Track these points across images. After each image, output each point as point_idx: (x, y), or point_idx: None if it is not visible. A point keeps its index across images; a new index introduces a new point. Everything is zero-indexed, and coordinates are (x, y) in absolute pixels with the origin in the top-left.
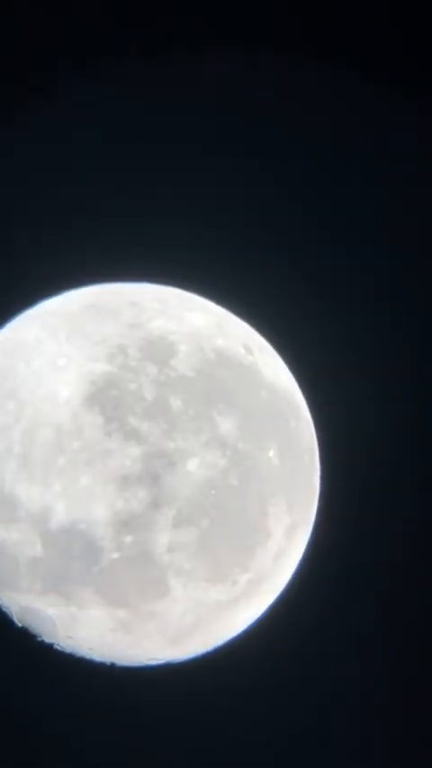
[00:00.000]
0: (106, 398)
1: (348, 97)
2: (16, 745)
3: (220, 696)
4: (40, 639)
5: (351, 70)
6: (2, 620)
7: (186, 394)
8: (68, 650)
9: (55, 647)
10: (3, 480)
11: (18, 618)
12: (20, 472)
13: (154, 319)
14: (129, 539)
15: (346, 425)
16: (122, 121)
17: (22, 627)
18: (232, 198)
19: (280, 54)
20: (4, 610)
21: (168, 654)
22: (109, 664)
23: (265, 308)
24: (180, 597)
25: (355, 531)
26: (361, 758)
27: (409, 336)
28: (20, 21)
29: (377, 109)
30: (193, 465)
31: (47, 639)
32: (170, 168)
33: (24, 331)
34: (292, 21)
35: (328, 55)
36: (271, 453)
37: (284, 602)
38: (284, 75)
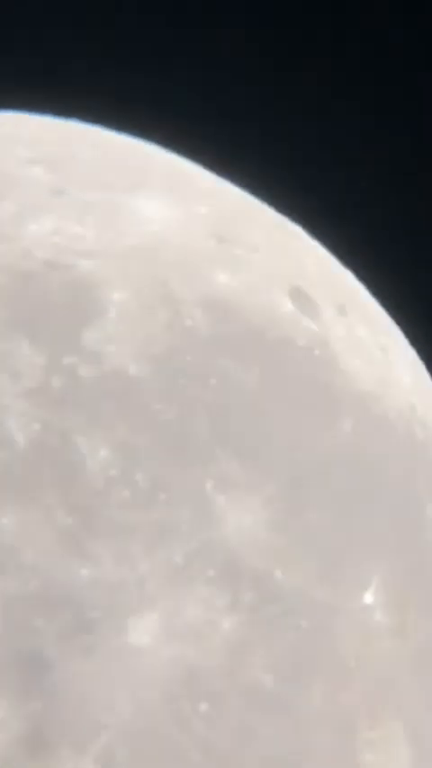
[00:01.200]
0: None
1: None
2: None
3: None
4: None
5: None
6: None
7: (128, 429)
8: None
9: None
10: None
11: None
12: None
13: (38, 215)
14: None
15: None
16: None
17: None
18: None
19: None
20: None
21: None
22: None
23: (353, 198)
24: None
25: None
26: None
27: None
28: None
29: None
30: (142, 632)
31: None
32: None
33: None
34: None
35: None
36: (367, 598)
37: None
38: None
